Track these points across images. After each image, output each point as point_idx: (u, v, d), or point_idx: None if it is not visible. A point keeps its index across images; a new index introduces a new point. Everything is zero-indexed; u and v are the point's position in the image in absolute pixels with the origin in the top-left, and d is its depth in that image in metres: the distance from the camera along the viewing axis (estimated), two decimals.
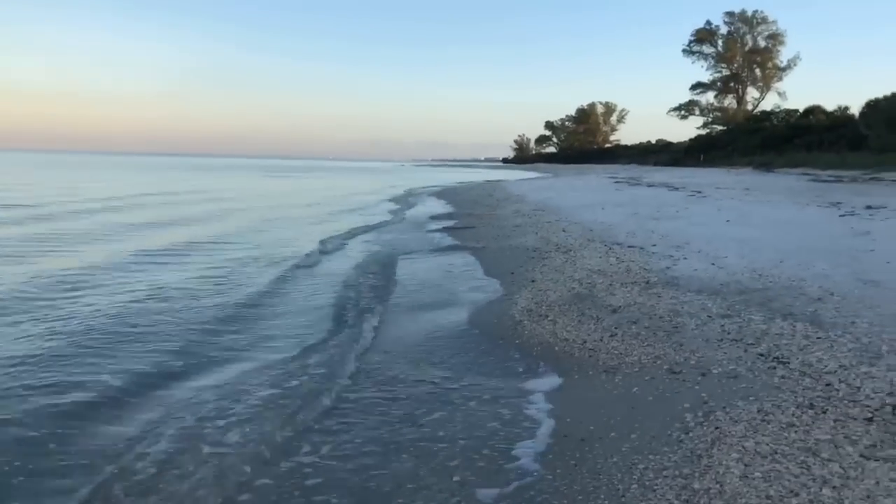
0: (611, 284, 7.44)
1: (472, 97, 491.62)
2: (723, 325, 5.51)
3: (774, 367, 4.44)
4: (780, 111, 61.85)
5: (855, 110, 47.95)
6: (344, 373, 4.96)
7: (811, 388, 4.02)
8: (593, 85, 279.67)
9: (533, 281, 8.03)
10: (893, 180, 25.24)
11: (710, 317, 5.80)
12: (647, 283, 7.46)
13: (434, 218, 18.43)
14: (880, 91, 48.01)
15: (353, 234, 14.45)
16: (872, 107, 42.49)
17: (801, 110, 58.61)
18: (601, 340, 5.40)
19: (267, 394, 4.56)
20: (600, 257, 9.34)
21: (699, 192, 20.92)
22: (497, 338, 5.80)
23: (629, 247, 10.20)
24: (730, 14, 71.30)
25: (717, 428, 3.58)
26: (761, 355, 4.72)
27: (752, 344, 4.99)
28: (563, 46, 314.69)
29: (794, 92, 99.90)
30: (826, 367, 4.36)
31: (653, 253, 9.51)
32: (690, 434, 3.57)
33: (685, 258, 8.91)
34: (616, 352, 5.10)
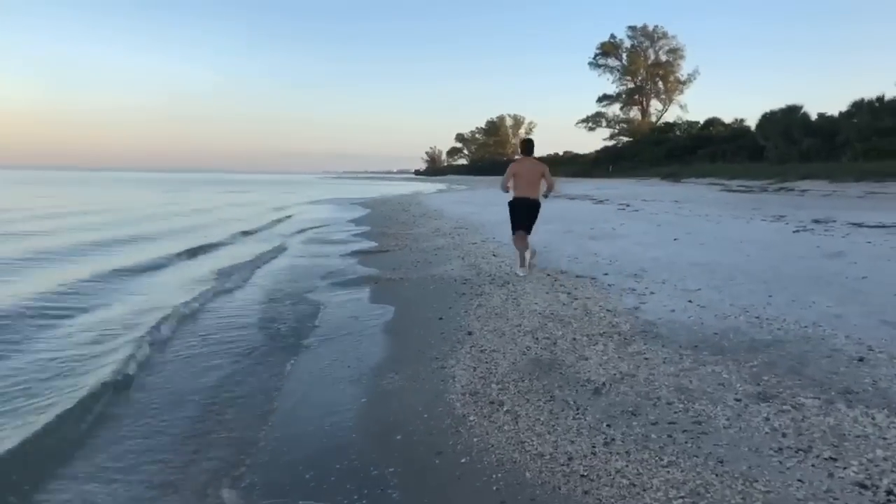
0: (575, 339, 5.56)
1: (383, 110, 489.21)
2: (767, 419, 3.71)
3: None
4: (683, 123, 64.10)
5: (750, 122, 49.98)
6: None
7: None
8: (502, 98, 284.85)
9: (470, 333, 6.02)
10: (804, 189, 25.45)
11: (738, 400, 4.01)
12: (620, 334, 5.65)
13: (337, 242, 16.09)
14: (771, 104, 50.04)
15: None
16: (768, 119, 44.23)
17: (701, 122, 60.83)
18: (594, 455, 3.44)
19: None
20: (547, 293, 7.50)
21: (627, 204, 19.83)
22: (432, 452, 3.68)
23: (577, 276, 8.45)
24: (632, 28, 73.56)
25: None
26: (863, 487, 2.92)
27: (833, 460, 3.19)
28: (472, 62, 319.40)
29: (693, 104, 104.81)
30: None
31: (608, 285, 7.79)
32: None
33: (651, 292, 7.23)
34: (625, 481, 3.16)
